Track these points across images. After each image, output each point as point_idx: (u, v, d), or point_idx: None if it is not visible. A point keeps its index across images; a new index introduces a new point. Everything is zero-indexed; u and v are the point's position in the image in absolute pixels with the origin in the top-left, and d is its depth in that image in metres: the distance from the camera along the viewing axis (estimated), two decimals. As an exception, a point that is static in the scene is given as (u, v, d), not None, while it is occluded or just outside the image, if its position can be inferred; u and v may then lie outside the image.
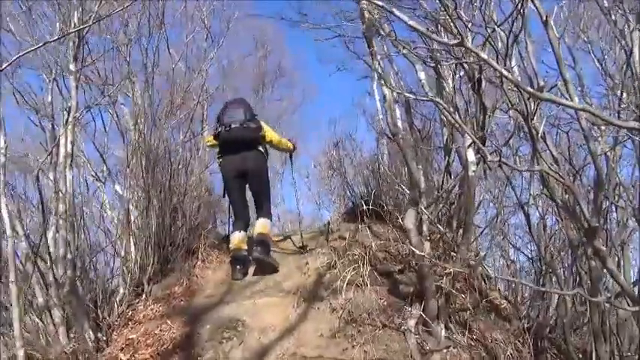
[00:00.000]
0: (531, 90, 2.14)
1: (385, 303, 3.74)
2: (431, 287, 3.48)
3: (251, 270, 4.60)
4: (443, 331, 3.48)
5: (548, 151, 3.16)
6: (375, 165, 5.53)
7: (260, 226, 4.43)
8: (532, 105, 2.62)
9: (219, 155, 4.49)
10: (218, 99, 13.83)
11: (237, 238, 4.36)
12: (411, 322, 3.44)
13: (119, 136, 5.28)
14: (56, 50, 4.43)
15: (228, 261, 4.60)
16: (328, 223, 5.70)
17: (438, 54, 3.45)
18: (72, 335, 3.99)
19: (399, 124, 3.95)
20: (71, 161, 4.00)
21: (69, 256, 3.90)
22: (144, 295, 4.46)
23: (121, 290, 4.09)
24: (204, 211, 6.48)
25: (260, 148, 4.39)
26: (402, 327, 3.46)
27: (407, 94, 3.91)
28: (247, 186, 4.53)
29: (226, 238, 5.58)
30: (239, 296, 4.28)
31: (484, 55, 2.15)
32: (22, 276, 4.11)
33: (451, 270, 3.47)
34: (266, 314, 3.88)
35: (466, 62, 3.18)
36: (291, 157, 5.45)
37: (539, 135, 2.85)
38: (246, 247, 4.40)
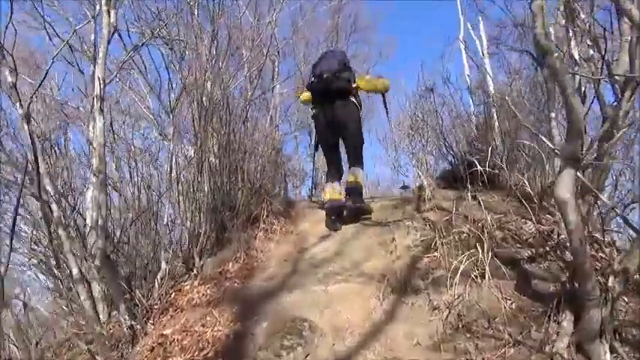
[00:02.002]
0: None
1: (514, 306, 2.58)
2: (593, 290, 2.26)
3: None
4: (608, 356, 2.28)
5: None
6: (482, 116, 4.22)
7: (352, 174, 4.22)
8: None
9: (313, 107, 4.37)
10: (289, 55, 13.07)
11: (331, 188, 4.28)
12: (561, 344, 2.26)
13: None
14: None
15: (324, 212, 4.38)
16: (420, 187, 4.55)
17: None
18: (112, 315, 3.32)
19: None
20: (101, 104, 3.19)
21: (100, 221, 3.16)
22: (194, 271, 3.67)
23: (163, 265, 3.28)
24: (271, 172, 5.62)
25: (353, 99, 4.22)
26: (546, 347, 2.30)
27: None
28: (340, 138, 4.35)
29: (288, 204, 4.83)
30: (307, 279, 3.34)
31: None
32: (56, 244, 3.47)
33: (627, 266, 2.23)
34: (341, 308, 2.90)
35: None
36: (384, 98, 4.79)
37: None
38: (341, 198, 4.23)
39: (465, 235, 3.12)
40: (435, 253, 3.07)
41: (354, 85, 4.20)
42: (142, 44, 4.31)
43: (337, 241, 4.11)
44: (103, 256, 3.12)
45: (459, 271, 2.66)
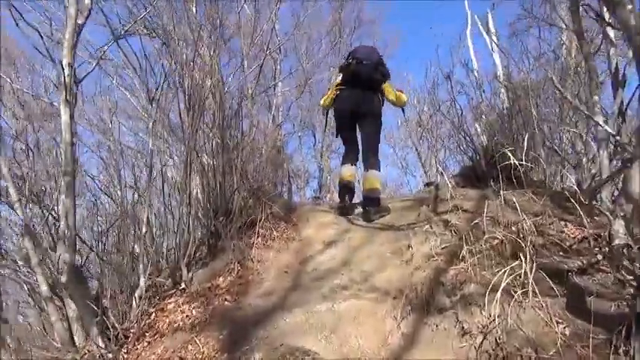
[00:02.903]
0: None
1: (567, 331, 2.06)
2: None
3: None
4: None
5: None
6: (507, 107, 3.70)
7: (370, 180, 4.11)
8: None
9: (339, 88, 4.31)
10: (291, 52, 12.59)
11: (347, 169, 4.30)
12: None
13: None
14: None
15: (337, 191, 4.48)
16: (436, 186, 4.05)
17: None
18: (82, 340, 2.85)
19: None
20: (67, 94, 2.72)
21: (67, 231, 2.69)
22: (182, 285, 3.19)
23: (142, 282, 2.79)
24: (271, 173, 5.15)
25: (379, 94, 4.28)
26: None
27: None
28: (358, 127, 4.33)
29: (289, 207, 4.46)
30: (310, 295, 2.85)
31: None
32: (21, 256, 3.00)
33: None
34: (351, 332, 2.40)
35: None
36: (404, 111, 4.82)
37: None
38: (354, 180, 4.34)
39: (497, 240, 2.61)
40: (462, 264, 2.56)
41: (383, 84, 4.24)
42: (125, 31, 3.85)
43: (345, 249, 3.62)
44: (71, 271, 2.65)
45: (493, 286, 2.16)
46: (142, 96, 4.49)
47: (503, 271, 2.31)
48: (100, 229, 3.07)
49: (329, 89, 4.60)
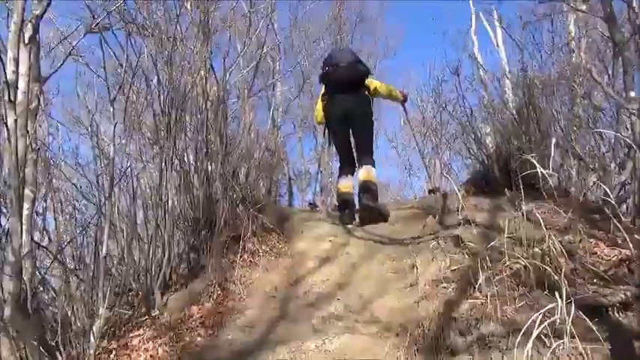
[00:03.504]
0: None
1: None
2: None
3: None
4: None
5: None
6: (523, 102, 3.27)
7: (365, 172, 4.05)
8: None
9: (324, 98, 4.28)
10: (290, 50, 12.14)
11: (345, 181, 4.21)
12: None
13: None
14: None
15: (336, 206, 4.37)
16: (443, 194, 3.63)
17: None
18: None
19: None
20: (10, 93, 2.31)
21: (10, 255, 2.28)
22: (153, 312, 2.78)
23: (101, 311, 2.37)
24: (265, 177, 4.75)
25: (366, 93, 4.19)
26: None
27: None
28: (351, 130, 4.24)
29: (282, 217, 4.13)
30: (298, 327, 2.43)
31: None
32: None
33: None
34: (346, 379, 1.98)
35: None
36: (404, 106, 4.92)
37: None
38: (353, 192, 4.18)
39: (519, 265, 2.19)
40: (478, 294, 2.14)
41: (367, 79, 4.16)
42: (97, 24, 3.43)
43: (341, 267, 3.22)
44: (15, 303, 2.24)
45: (516, 324, 1.75)
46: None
47: (528, 305, 1.90)
48: (58, 248, 2.65)
49: (316, 103, 4.52)
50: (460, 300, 2.17)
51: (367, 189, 3.97)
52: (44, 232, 3.55)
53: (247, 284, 2.97)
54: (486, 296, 2.06)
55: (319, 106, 4.38)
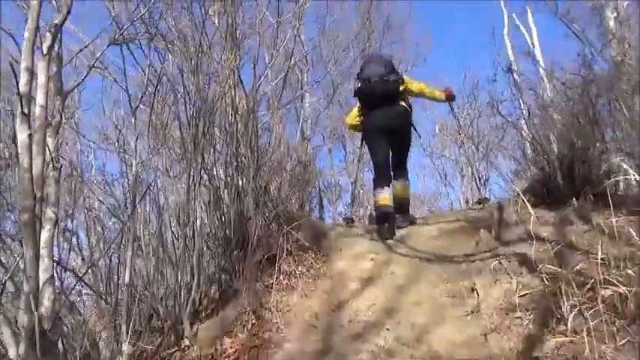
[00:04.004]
0: None
1: None
2: None
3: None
4: None
5: None
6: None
7: (400, 187, 4.13)
8: None
9: (362, 112, 4.28)
10: (318, 61, 11.94)
11: (382, 194, 4.09)
12: None
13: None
14: None
15: (374, 218, 4.21)
16: (499, 206, 3.26)
17: None
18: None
19: None
20: (22, 106, 2.12)
21: (25, 285, 2.06)
22: (184, 342, 2.52)
23: (124, 348, 2.12)
24: (297, 193, 4.49)
25: (403, 103, 4.15)
26: None
27: None
28: (390, 144, 4.20)
29: (318, 234, 3.77)
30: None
31: None
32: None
33: None
34: None
35: None
36: (451, 105, 4.74)
37: None
38: (391, 204, 4.08)
39: (610, 292, 1.81)
40: (564, 328, 1.77)
41: (401, 87, 4.10)
42: (120, 34, 3.27)
43: (387, 289, 2.91)
44: (29, 340, 2.02)
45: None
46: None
47: (631, 343, 1.52)
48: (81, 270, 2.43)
49: (350, 110, 4.58)
50: (541, 335, 1.80)
51: (401, 206, 4.08)
52: (77, 251, 3.40)
53: (284, 311, 2.68)
54: (576, 331, 1.69)
55: (354, 112, 4.38)
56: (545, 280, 2.07)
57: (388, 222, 3.94)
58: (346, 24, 11.89)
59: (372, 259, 3.39)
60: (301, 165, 4.85)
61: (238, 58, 3.38)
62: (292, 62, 9.60)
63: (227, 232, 3.23)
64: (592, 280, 1.84)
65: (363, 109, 4.28)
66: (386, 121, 4.06)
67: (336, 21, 11.29)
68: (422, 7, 20.45)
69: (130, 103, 2.32)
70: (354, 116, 4.40)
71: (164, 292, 2.73)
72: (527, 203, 3.00)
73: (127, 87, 2.48)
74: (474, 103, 8.52)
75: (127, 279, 2.14)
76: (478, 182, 7.00)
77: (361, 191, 10.87)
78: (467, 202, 9.19)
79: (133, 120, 2.28)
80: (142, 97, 2.43)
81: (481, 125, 7.20)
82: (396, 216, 4.02)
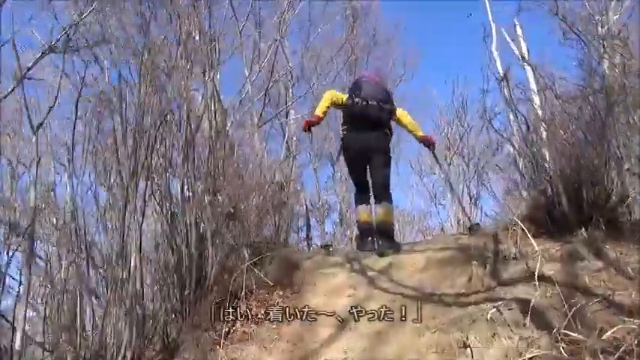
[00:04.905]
0: None
1: None
2: None
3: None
4: None
5: None
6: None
7: (383, 211, 4.01)
8: None
9: (345, 127, 4.23)
10: (301, 76, 11.52)
11: (363, 211, 4.19)
12: None
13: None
14: None
15: (356, 235, 4.38)
16: (494, 236, 2.82)
17: None
18: None
19: None
20: None
21: None
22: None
23: None
24: (270, 214, 4.03)
25: (386, 130, 4.21)
26: None
27: None
28: (368, 165, 4.22)
29: (290, 265, 3.35)
30: None
31: None
32: None
33: None
34: None
35: None
36: (433, 151, 4.80)
37: None
38: (372, 220, 4.11)
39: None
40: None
41: (393, 117, 4.21)
42: (55, 42, 2.83)
43: (364, 336, 2.45)
44: None
45: None
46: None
47: None
48: None
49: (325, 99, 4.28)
50: None
51: (384, 231, 3.95)
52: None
53: (239, 368, 2.19)
54: None
55: (342, 97, 4.16)
56: (558, 340, 1.61)
57: (371, 236, 4.01)
58: (331, 38, 11.52)
59: (349, 296, 2.96)
60: (277, 184, 4.42)
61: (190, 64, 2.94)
62: (274, 78, 9.26)
63: (180, 267, 2.76)
64: (622, 349, 1.38)
65: (347, 121, 4.20)
66: (363, 143, 4.07)
67: (320, 35, 10.92)
68: (409, 19, 20.25)
69: (30, 122, 1.84)
70: (340, 99, 4.16)
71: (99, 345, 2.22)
72: (527, 233, 2.61)
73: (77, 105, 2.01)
74: (463, 118, 8.16)
75: (17, 343, 1.65)
76: (470, 202, 6.57)
77: (347, 210, 10.41)
78: (458, 222, 8.77)
79: (34, 139, 1.80)
80: (48, 112, 1.96)
81: (471, 141, 6.80)
82: (380, 242, 3.86)
